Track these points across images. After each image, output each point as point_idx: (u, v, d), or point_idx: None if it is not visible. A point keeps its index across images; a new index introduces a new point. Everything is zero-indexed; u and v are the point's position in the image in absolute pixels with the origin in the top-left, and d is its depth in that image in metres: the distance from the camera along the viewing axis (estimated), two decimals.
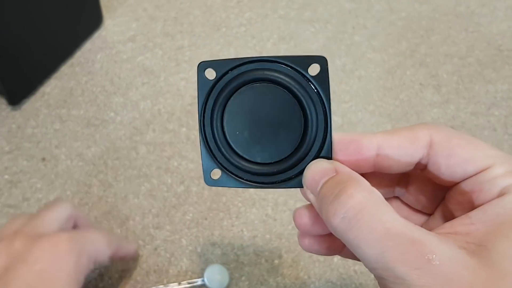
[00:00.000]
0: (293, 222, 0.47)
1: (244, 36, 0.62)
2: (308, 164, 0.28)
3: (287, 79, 0.28)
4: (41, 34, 0.54)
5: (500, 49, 0.62)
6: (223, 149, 0.29)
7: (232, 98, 0.28)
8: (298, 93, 0.28)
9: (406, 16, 0.65)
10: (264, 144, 0.29)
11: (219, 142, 0.29)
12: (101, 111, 0.54)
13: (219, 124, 0.28)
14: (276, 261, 0.45)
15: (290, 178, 0.29)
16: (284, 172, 0.29)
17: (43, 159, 0.51)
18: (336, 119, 0.54)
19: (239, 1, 0.66)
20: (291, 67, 0.28)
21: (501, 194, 0.23)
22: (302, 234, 0.30)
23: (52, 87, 0.56)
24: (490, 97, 0.57)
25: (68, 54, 0.58)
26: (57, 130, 0.53)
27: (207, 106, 0.28)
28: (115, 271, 0.44)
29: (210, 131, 0.28)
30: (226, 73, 0.28)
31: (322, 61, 0.28)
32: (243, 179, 0.29)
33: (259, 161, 0.29)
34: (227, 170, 0.29)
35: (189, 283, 0.27)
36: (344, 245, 0.30)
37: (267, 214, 0.48)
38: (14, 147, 0.51)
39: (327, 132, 0.28)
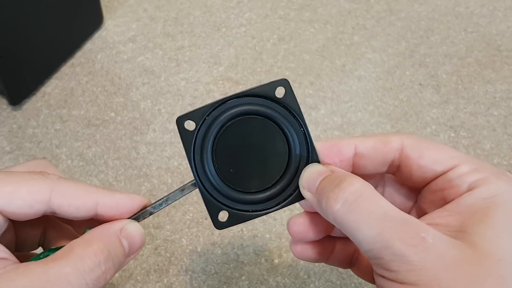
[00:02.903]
0: None
1: (244, 36, 0.62)
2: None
3: (259, 108, 0.30)
4: (42, 34, 0.54)
5: (500, 49, 0.62)
6: (222, 191, 0.30)
7: (216, 141, 0.30)
8: (273, 117, 0.30)
9: (405, 17, 0.65)
10: (258, 172, 0.31)
11: (217, 186, 0.30)
12: (101, 111, 0.55)
13: (212, 169, 0.30)
14: (276, 261, 0.45)
15: (291, 195, 0.31)
16: (284, 191, 0.31)
17: (44, 159, 0.51)
18: (336, 119, 0.54)
19: (239, 1, 0.66)
20: (259, 96, 0.30)
21: (470, 189, 0.26)
22: (295, 241, 0.32)
23: (52, 87, 0.56)
24: (489, 97, 0.57)
25: (69, 54, 0.59)
26: (57, 130, 0.53)
27: (195, 157, 0.30)
28: None
29: (206, 178, 0.30)
30: (204, 120, 0.30)
31: (284, 83, 0.30)
32: (249, 211, 0.31)
33: (258, 189, 0.31)
34: (232, 208, 0.30)
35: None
36: (332, 250, 0.33)
37: None
38: (15, 147, 0.52)
39: (308, 143, 0.30)
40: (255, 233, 0.47)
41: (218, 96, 0.56)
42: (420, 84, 0.58)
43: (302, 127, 0.31)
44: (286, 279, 0.44)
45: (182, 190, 0.30)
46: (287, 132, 0.30)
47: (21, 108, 0.54)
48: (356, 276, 0.45)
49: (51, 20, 0.55)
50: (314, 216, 0.31)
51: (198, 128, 0.30)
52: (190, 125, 0.30)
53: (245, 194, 0.30)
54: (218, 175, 0.30)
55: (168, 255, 0.45)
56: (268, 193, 0.31)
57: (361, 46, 0.61)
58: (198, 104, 0.55)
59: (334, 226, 0.31)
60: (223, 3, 0.65)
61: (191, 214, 0.48)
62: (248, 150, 0.30)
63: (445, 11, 0.66)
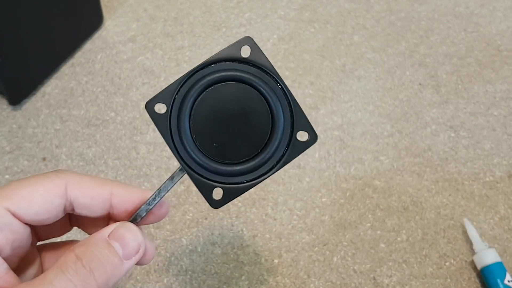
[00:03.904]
0: (293, 222, 0.47)
1: None
2: (290, 137, 0.29)
3: (229, 73, 0.28)
4: (42, 34, 0.54)
5: (499, 49, 0.62)
6: (211, 168, 0.28)
7: (192, 118, 0.28)
8: (245, 79, 0.28)
9: (405, 17, 0.65)
10: (244, 139, 0.29)
11: (204, 164, 0.28)
12: (101, 111, 0.55)
13: (195, 148, 0.28)
14: (276, 261, 0.45)
15: (283, 154, 0.29)
16: (275, 152, 0.29)
17: (44, 159, 0.51)
18: (336, 119, 0.54)
19: (239, 1, 0.66)
20: (225, 60, 0.28)
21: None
22: None
23: (52, 87, 0.56)
24: (489, 97, 0.57)
25: (69, 54, 0.59)
26: (57, 130, 0.53)
27: (174, 140, 0.28)
28: None
29: (191, 159, 0.28)
30: (174, 99, 0.28)
31: (249, 41, 0.29)
32: (244, 182, 0.29)
33: (248, 157, 0.29)
34: (225, 183, 0.29)
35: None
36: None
37: (267, 213, 0.48)
38: (15, 147, 0.52)
39: (288, 97, 0.29)
40: (255, 233, 0.47)
41: None
42: (420, 84, 0.58)
43: (279, 83, 0.29)
44: (286, 279, 0.44)
45: (172, 178, 0.29)
46: (264, 91, 0.28)
47: (21, 108, 0.54)
48: (356, 277, 0.45)
49: (51, 20, 0.55)
50: None
51: (170, 109, 0.28)
52: (161, 108, 0.28)
53: (235, 165, 0.28)
54: (202, 152, 0.28)
55: (168, 255, 0.45)
56: (259, 159, 0.28)
57: (361, 46, 0.61)
58: None
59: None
60: (223, 3, 0.65)
61: (191, 214, 0.48)
62: (228, 119, 0.28)
63: (445, 11, 0.66)
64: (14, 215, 0.26)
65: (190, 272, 0.45)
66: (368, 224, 0.48)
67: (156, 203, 0.29)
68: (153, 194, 0.29)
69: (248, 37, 0.29)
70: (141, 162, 0.51)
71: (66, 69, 0.58)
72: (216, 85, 0.28)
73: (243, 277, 0.44)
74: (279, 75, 0.29)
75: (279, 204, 0.48)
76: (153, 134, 0.53)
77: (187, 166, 0.28)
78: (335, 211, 0.48)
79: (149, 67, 0.59)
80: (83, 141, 0.52)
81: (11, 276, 0.26)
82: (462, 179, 0.51)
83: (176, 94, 0.28)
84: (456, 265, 0.46)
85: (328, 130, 0.53)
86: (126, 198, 0.29)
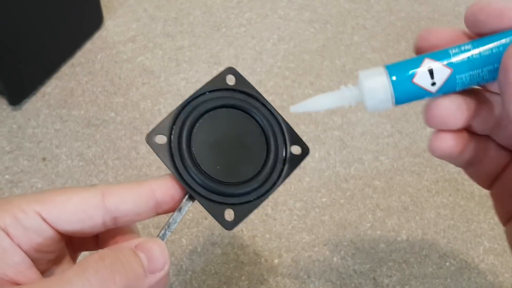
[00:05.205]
0: (293, 222, 0.47)
1: (244, 37, 0.62)
2: (285, 152, 0.30)
3: (219, 101, 0.30)
4: (42, 34, 0.54)
5: None
6: (218, 191, 0.29)
7: (192, 145, 0.29)
8: (234, 104, 0.30)
9: (405, 17, 0.65)
10: (244, 158, 0.30)
11: (211, 188, 0.29)
12: (101, 111, 0.55)
13: (199, 174, 0.29)
14: (276, 261, 0.45)
15: (282, 170, 0.30)
16: (275, 166, 0.30)
17: (44, 159, 0.51)
18: (336, 119, 0.54)
19: (239, 1, 0.66)
20: (213, 91, 0.30)
21: None
22: (437, 131, 0.29)
23: (52, 87, 0.56)
24: None
25: (69, 54, 0.59)
26: (57, 130, 0.53)
27: (179, 168, 0.29)
28: None
29: (197, 185, 0.29)
30: (172, 130, 0.29)
31: (231, 71, 0.30)
32: (252, 200, 0.30)
33: (251, 175, 0.30)
34: (235, 204, 0.29)
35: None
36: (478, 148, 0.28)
37: (267, 213, 0.48)
38: (14, 147, 0.52)
39: (278, 120, 0.31)
40: (255, 233, 0.47)
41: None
42: None
43: (265, 105, 0.30)
44: (286, 279, 0.44)
45: (180, 209, 0.29)
46: (253, 114, 0.30)
47: (21, 108, 0.54)
48: (356, 277, 0.45)
49: (51, 20, 0.55)
50: (465, 96, 0.27)
51: (169, 139, 0.29)
52: (160, 139, 0.29)
53: (240, 185, 0.29)
54: (208, 176, 0.29)
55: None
56: (261, 176, 0.30)
57: (361, 46, 0.61)
58: None
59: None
60: (223, 3, 0.65)
61: (191, 214, 0.48)
62: (226, 142, 0.30)
63: (445, 11, 0.66)
64: (44, 219, 0.26)
65: (190, 272, 0.45)
66: (368, 224, 0.48)
67: (167, 237, 0.29)
68: (162, 229, 0.29)
69: (231, 67, 0.30)
70: (141, 162, 0.51)
71: (66, 69, 0.58)
72: (209, 112, 0.30)
73: (243, 277, 0.44)
74: (265, 98, 0.30)
75: (279, 204, 0.48)
76: None
77: (196, 193, 0.29)
78: (335, 211, 0.48)
79: (149, 67, 0.59)
80: (83, 141, 0.52)
81: (33, 273, 0.26)
82: (462, 179, 0.51)
83: (174, 124, 0.30)
84: (456, 265, 0.46)
85: (328, 130, 0.53)
86: (170, 188, 0.28)
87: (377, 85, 0.26)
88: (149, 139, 0.29)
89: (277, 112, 0.31)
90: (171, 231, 0.29)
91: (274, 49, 0.61)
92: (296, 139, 0.31)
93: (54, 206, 0.26)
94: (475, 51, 0.24)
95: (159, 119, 0.54)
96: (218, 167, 0.29)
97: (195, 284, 0.44)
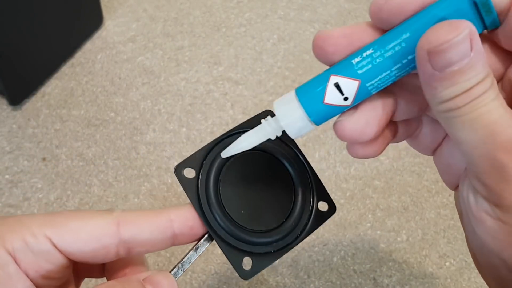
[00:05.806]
0: None
1: (244, 37, 0.62)
2: (311, 207, 0.29)
3: None
4: (42, 35, 0.54)
5: None
6: (238, 236, 0.28)
7: (220, 184, 0.28)
8: (267, 148, 0.29)
9: None
10: (269, 206, 0.29)
11: (232, 232, 0.28)
12: (101, 111, 0.55)
13: (222, 215, 0.28)
14: (276, 261, 0.45)
15: (306, 225, 0.29)
16: (300, 221, 0.29)
17: (44, 159, 0.51)
18: (335, 119, 0.54)
19: (239, 1, 0.66)
20: (247, 131, 0.28)
21: None
22: (351, 144, 0.27)
23: (52, 87, 0.56)
24: None
25: (69, 54, 0.59)
26: (57, 130, 0.53)
27: (203, 206, 0.28)
28: None
29: (219, 226, 0.28)
30: (202, 165, 0.28)
31: (269, 113, 0.29)
32: (271, 251, 0.28)
33: (274, 226, 0.29)
34: (254, 253, 0.28)
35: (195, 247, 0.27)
36: (394, 135, 0.27)
37: None
38: (14, 147, 0.52)
39: (309, 173, 0.29)
40: None
41: (218, 96, 0.56)
42: None
43: (299, 156, 0.29)
44: (286, 279, 0.44)
45: (196, 249, 0.28)
46: (286, 162, 0.29)
47: (21, 108, 0.54)
48: (356, 277, 0.45)
49: (51, 20, 0.55)
50: (371, 110, 0.25)
51: (197, 174, 0.28)
52: (189, 172, 0.28)
53: (262, 234, 0.28)
54: (231, 220, 0.28)
55: (168, 255, 0.45)
56: (284, 228, 0.29)
57: None
58: (198, 105, 0.55)
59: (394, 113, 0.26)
60: (223, 3, 0.65)
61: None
62: (253, 187, 0.29)
63: None
64: (55, 245, 0.25)
65: (190, 272, 0.45)
66: (368, 224, 0.48)
67: (179, 276, 0.27)
68: (175, 267, 0.27)
69: (269, 110, 0.29)
70: (141, 162, 0.51)
71: (66, 69, 0.58)
72: (241, 153, 0.28)
73: None
74: (299, 148, 0.29)
75: None
76: (153, 134, 0.53)
77: (216, 235, 0.28)
78: None
79: (149, 67, 0.59)
80: (83, 141, 0.52)
81: None
82: None
83: (204, 159, 0.28)
84: (456, 265, 0.46)
85: (328, 130, 0.53)
86: (189, 219, 0.27)
87: (292, 114, 0.25)
88: (178, 171, 0.28)
89: (309, 165, 0.29)
90: (183, 271, 0.27)
91: (274, 49, 0.61)
92: (325, 196, 0.30)
93: (66, 232, 0.25)
94: (378, 54, 0.23)
95: (159, 119, 0.54)
96: (242, 211, 0.28)
97: (195, 284, 0.44)
